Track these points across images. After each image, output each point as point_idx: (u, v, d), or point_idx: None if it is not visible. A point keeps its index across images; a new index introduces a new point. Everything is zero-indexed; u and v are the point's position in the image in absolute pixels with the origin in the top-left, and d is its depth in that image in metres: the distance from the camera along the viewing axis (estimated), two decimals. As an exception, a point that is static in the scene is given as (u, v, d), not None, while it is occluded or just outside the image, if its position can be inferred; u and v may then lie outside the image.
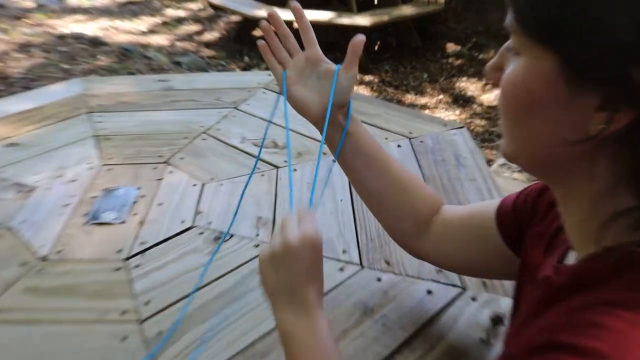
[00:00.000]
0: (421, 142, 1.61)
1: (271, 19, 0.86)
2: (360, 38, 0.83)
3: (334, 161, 0.92)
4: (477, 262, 0.86)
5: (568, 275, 0.55)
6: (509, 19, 0.52)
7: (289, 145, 1.54)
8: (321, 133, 0.86)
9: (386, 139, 1.63)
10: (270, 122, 0.94)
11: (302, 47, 0.89)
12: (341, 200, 1.34)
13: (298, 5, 0.86)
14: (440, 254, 0.91)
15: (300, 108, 0.88)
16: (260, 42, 0.88)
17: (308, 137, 1.62)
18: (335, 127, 0.88)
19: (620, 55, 0.45)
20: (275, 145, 1.58)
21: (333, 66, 0.86)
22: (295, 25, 0.89)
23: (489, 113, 4.08)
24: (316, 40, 0.88)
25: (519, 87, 0.52)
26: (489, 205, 0.83)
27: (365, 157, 0.89)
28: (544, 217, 0.71)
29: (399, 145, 1.59)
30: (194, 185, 1.43)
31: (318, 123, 0.88)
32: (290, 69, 0.88)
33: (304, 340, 0.66)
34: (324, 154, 1.47)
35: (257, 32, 5.53)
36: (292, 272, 0.68)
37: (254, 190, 1.39)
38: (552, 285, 0.56)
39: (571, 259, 0.60)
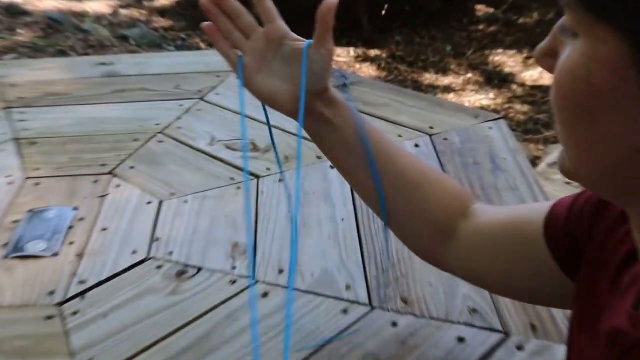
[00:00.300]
0: (445, 139, 1.62)
1: None
2: (330, 2, 0.82)
3: (332, 167, 0.93)
4: (518, 282, 0.86)
5: None
6: None
7: (246, 166, 1.54)
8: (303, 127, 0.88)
9: (400, 136, 1.64)
10: (268, 122, 0.94)
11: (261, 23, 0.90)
12: (343, 220, 1.34)
13: None
14: (472, 268, 0.92)
15: (270, 101, 0.90)
16: (205, 25, 0.89)
17: (296, 135, 1.61)
18: (317, 118, 0.89)
19: None
20: (255, 148, 1.59)
21: (301, 44, 0.87)
22: None
23: (534, 95, 4.10)
24: (277, 12, 0.88)
25: (576, 79, 0.51)
26: (537, 209, 0.83)
27: (359, 149, 0.90)
28: (609, 235, 0.70)
29: (416, 145, 1.60)
30: (149, 203, 1.43)
31: (295, 117, 0.89)
32: (247, 54, 0.89)
33: None
34: (319, 157, 1.48)
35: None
36: None
37: (228, 208, 1.39)
38: (626, 342, 0.56)
39: None
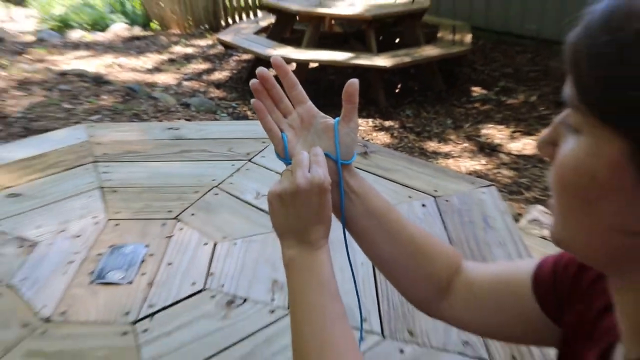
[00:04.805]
0: (447, 201, 1.64)
1: (262, 79, 0.87)
2: (354, 84, 0.83)
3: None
4: (510, 329, 0.86)
5: None
6: (570, 94, 0.51)
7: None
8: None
9: (410, 197, 1.66)
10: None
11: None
12: (362, 264, 1.37)
13: (280, 60, 0.86)
14: (467, 319, 0.91)
15: None
16: (255, 102, 0.87)
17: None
18: (344, 187, 0.87)
19: None
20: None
21: (330, 120, 0.87)
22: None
23: (517, 163, 4.11)
24: (306, 95, 0.89)
25: (580, 173, 0.51)
26: (522, 267, 0.83)
27: (379, 218, 0.88)
28: (584, 294, 0.70)
29: (423, 205, 1.63)
30: (205, 244, 1.46)
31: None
32: (286, 131, 0.88)
33: (306, 271, 0.77)
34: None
35: (270, 72, 5.63)
36: (300, 214, 0.77)
37: (268, 251, 1.42)
38: None
39: (618, 356, 0.58)
